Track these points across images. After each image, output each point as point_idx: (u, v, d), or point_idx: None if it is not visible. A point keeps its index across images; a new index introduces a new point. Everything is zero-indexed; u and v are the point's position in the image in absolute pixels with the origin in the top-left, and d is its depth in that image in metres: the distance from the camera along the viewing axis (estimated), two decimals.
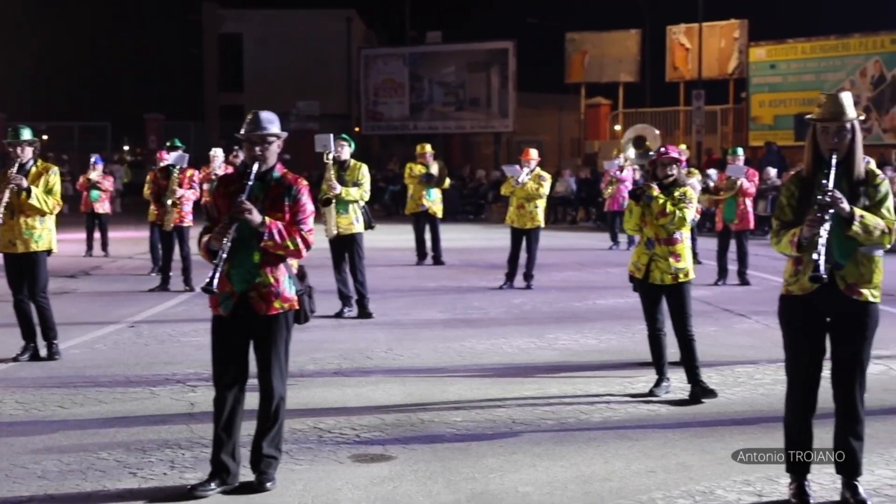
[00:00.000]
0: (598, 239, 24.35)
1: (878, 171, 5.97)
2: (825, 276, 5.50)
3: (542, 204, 15.72)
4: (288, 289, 6.25)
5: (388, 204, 35.77)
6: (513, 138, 42.70)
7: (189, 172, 15.78)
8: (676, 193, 8.50)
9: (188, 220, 15.61)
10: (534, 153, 15.82)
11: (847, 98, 5.81)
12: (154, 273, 16.82)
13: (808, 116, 5.94)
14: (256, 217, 6.01)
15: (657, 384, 8.66)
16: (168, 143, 16.90)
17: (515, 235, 15.69)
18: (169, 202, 15.38)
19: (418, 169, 18.97)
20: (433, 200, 19.09)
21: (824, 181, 5.60)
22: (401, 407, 8.35)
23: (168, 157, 15.98)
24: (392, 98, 43.93)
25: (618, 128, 41.58)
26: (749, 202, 16.42)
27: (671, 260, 8.51)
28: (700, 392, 8.41)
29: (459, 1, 51.00)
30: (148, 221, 16.74)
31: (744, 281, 16.02)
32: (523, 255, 15.65)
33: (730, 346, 10.73)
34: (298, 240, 6.16)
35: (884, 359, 10.02)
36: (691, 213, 8.67)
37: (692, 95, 37.89)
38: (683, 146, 22.80)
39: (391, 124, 44.36)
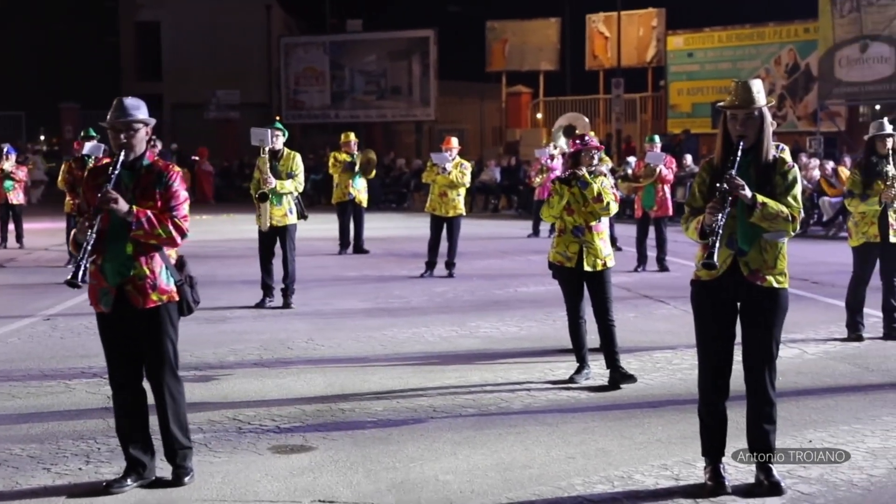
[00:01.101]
0: (520, 227, 24.46)
1: (788, 159, 6.03)
2: (716, 263, 5.61)
3: (463, 192, 15.77)
4: (165, 280, 6.02)
5: (309, 193, 35.51)
6: (434, 127, 42.67)
7: (105, 162, 15.47)
8: (599, 181, 8.55)
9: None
10: (454, 141, 15.88)
11: (756, 85, 5.86)
12: (70, 265, 16.52)
13: (719, 104, 5.98)
14: (122, 206, 5.81)
15: (578, 371, 8.70)
16: (83, 133, 16.59)
17: (436, 223, 15.70)
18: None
19: (342, 158, 18.89)
20: (359, 189, 19.05)
21: (728, 167, 5.67)
22: (321, 397, 8.31)
23: (84, 148, 15.70)
24: (313, 87, 43.64)
25: (539, 116, 41.80)
26: (668, 189, 16.60)
27: (600, 245, 8.57)
28: (619, 378, 8.47)
29: None
30: (64, 212, 16.46)
31: (663, 267, 16.18)
32: (444, 244, 15.67)
33: (649, 331, 10.83)
34: (171, 227, 5.92)
35: (798, 342, 10.21)
36: (615, 201, 8.78)
37: (611, 83, 38.17)
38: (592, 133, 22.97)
39: (312, 113, 44.07)
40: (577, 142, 8.88)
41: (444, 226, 15.66)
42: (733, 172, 5.64)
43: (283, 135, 12.63)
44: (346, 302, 13.44)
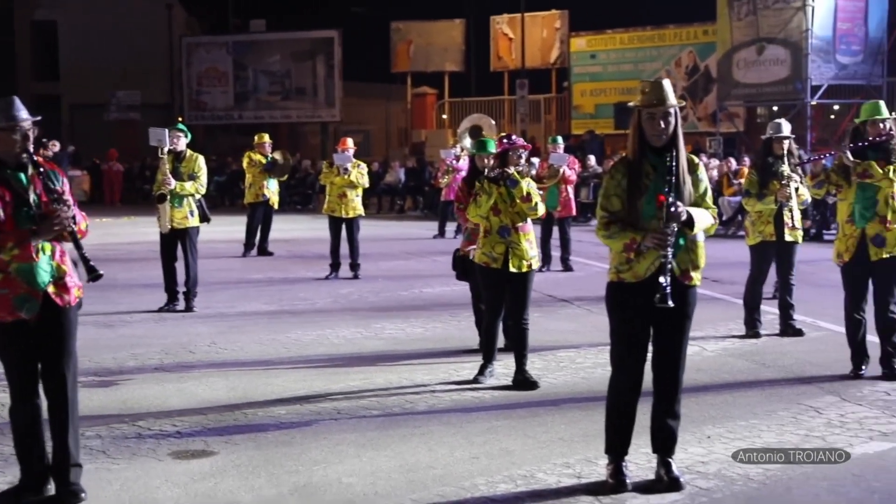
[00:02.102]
0: (426, 228, 24.48)
1: (696, 158, 6.10)
2: (671, 304, 5.66)
3: (361, 193, 15.78)
4: (76, 276, 5.92)
5: (213, 195, 35.19)
6: (340, 128, 42.42)
7: None
8: (526, 181, 8.58)
9: None
10: (350, 142, 15.95)
11: (668, 85, 5.92)
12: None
13: (632, 103, 5.97)
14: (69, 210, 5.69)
15: (482, 371, 8.73)
16: None
17: (335, 225, 15.69)
18: None
19: (257, 159, 18.75)
20: (273, 191, 18.98)
21: (667, 189, 5.66)
22: (224, 401, 8.22)
23: None
24: (216, 87, 43.11)
25: (445, 117, 41.88)
26: (571, 190, 16.76)
27: (526, 246, 8.58)
28: (522, 381, 8.51)
29: None
30: None
31: (567, 267, 16.33)
32: (346, 245, 15.64)
33: (553, 331, 10.91)
34: (86, 221, 5.93)
35: (698, 340, 10.35)
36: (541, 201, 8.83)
37: (516, 85, 38.39)
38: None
39: (216, 114, 43.52)
40: (505, 141, 8.87)
41: (344, 227, 15.65)
42: (672, 199, 5.64)
43: (186, 136, 12.49)
44: (250, 304, 13.32)
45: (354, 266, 15.70)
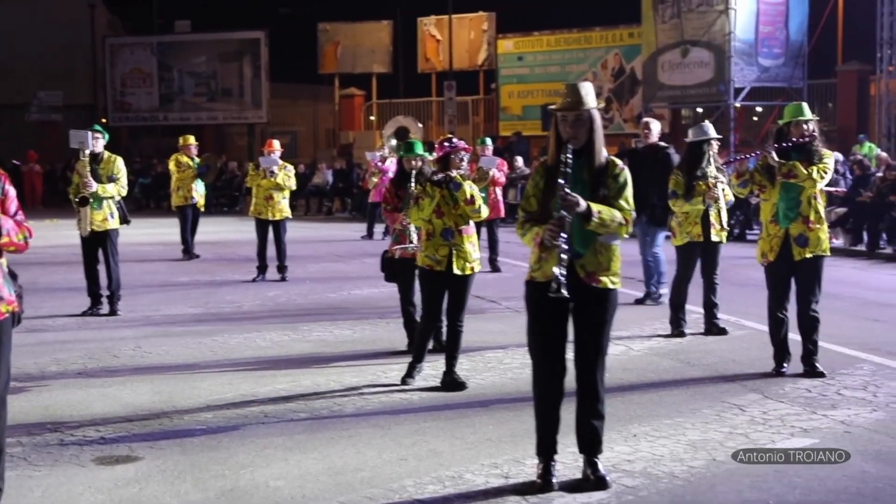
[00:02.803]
0: (354, 230, 24.42)
1: (618, 161, 6.09)
2: (566, 294, 5.70)
3: (288, 195, 15.73)
4: (8, 290, 5.73)
5: (137, 197, 34.89)
6: (267, 129, 42.15)
7: None
8: (468, 184, 8.56)
9: None
10: (276, 144, 15.90)
11: (586, 88, 5.95)
12: None
13: (551, 107, 6.05)
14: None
15: (411, 371, 8.72)
16: None
17: (262, 227, 15.63)
18: None
19: (185, 161, 18.57)
20: (201, 193, 18.84)
21: (561, 181, 5.72)
22: (148, 406, 8.13)
23: None
24: (141, 88, 42.62)
25: (372, 118, 41.82)
26: (499, 191, 16.82)
27: (469, 248, 8.55)
28: (451, 383, 8.51)
29: None
30: None
31: (495, 268, 16.38)
32: (274, 248, 15.58)
33: (481, 332, 10.92)
34: (26, 232, 5.69)
35: (624, 339, 10.47)
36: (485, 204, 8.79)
37: (444, 86, 38.47)
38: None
39: (140, 115, 43.03)
40: (447, 144, 8.81)
41: (271, 229, 15.59)
42: (567, 189, 5.69)
43: (104, 137, 12.30)
44: (176, 308, 13.19)
45: (282, 268, 15.64)
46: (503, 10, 39.49)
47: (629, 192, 5.95)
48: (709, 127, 10.81)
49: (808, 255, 8.56)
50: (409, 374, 8.71)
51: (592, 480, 5.98)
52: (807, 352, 8.73)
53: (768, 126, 32.46)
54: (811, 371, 8.66)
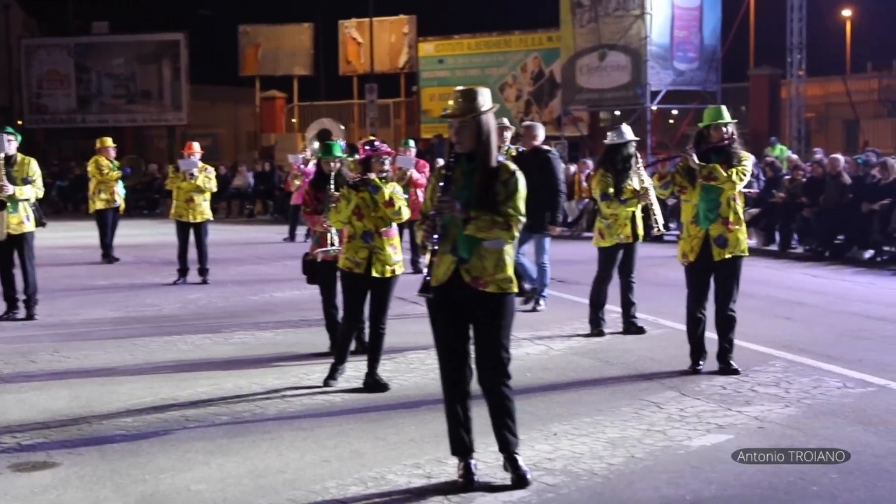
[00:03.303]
0: (276, 232, 24.26)
1: (511, 166, 5.98)
2: (430, 294, 5.87)
3: (209, 197, 15.60)
4: None
5: (55, 200, 34.38)
6: (187, 131, 41.74)
7: None
8: (388, 187, 8.47)
9: None
10: (196, 146, 15.73)
11: (478, 93, 5.88)
12: None
13: (443, 114, 6.00)
14: None
15: (333, 373, 8.67)
16: None
17: (182, 229, 15.45)
18: None
19: (106, 164, 18.28)
20: (122, 196, 18.61)
21: (441, 184, 5.79)
22: (66, 411, 7.98)
23: None
24: (57, 90, 41.92)
25: (294, 121, 41.61)
26: (420, 193, 16.80)
27: (390, 251, 8.47)
28: (373, 384, 8.49)
29: None
30: None
31: (417, 269, 16.33)
32: (194, 251, 15.41)
33: (402, 332, 10.88)
34: None
35: (545, 339, 10.54)
36: (406, 206, 8.65)
37: (365, 89, 38.41)
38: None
39: (57, 117, 42.34)
40: (367, 147, 8.73)
41: (192, 231, 15.44)
42: (443, 192, 5.76)
43: (17, 139, 12.03)
44: (95, 311, 12.98)
45: (203, 271, 15.49)
46: (424, 13, 39.65)
47: (519, 197, 5.86)
48: (627, 130, 10.87)
49: (728, 256, 8.62)
50: (332, 375, 8.66)
51: (513, 478, 5.98)
52: (722, 350, 8.85)
53: (684, 129, 32.92)
54: (726, 368, 8.78)
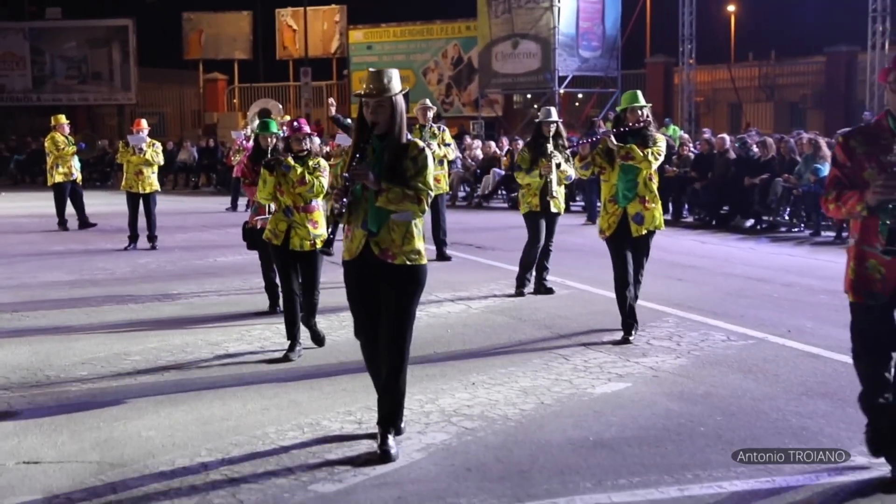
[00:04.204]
0: (219, 202, 23.97)
1: (419, 143, 5.64)
2: (331, 252, 5.64)
3: (156, 169, 15.44)
4: None
5: (13, 172, 33.75)
6: (136, 110, 40.86)
7: None
8: (311, 163, 8.13)
9: None
10: (144, 123, 15.58)
11: (389, 74, 5.53)
12: None
13: (357, 92, 5.62)
14: None
15: (291, 349, 8.09)
16: None
17: (132, 200, 15.30)
18: None
19: (62, 139, 17.89)
20: (79, 169, 18.27)
21: (357, 155, 5.43)
22: (26, 366, 7.85)
23: None
24: (13, 71, 40.87)
25: (235, 101, 41.09)
26: None
27: (310, 227, 8.15)
28: (313, 337, 8.40)
29: None
30: None
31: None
32: (144, 219, 15.22)
33: (336, 293, 10.86)
34: None
35: (464, 299, 10.57)
36: (326, 180, 8.11)
37: (300, 72, 38.04)
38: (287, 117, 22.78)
39: (14, 96, 41.27)
40: (287, 127, 8.57)
41: (141, 202, 15.29)
42: (358, 161, 5.40)
43: None
44: (52, 275, 12.74)
45: (152, 238, 15.31)
46: (354, 3, 39.33)
47: (428, 172, 5.52)
48: (552, 111, 10.83)
49: (644, 232, 8.40)
50: (291, 349, 8.10)
51: (378, 453, 5.56)
52: (631, 302, 8.61)
53: (588, 110, 33.13)
54: (626, 334, 8.53)
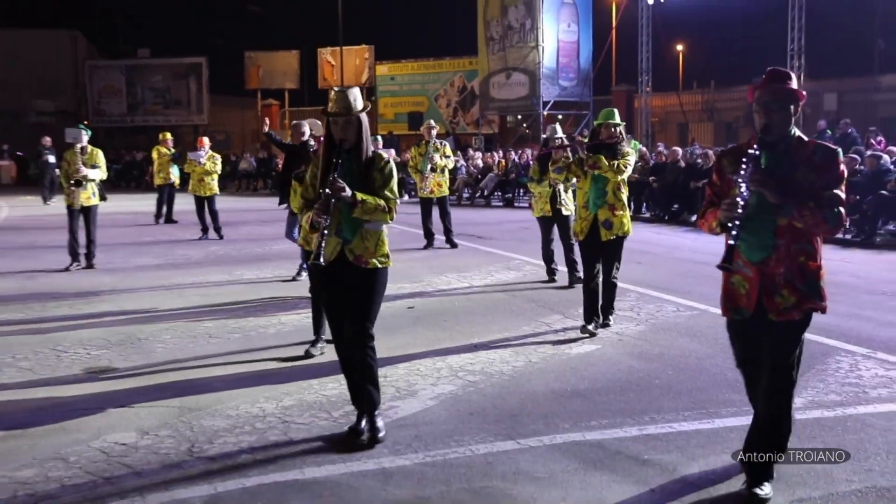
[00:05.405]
0: (273, 202, 23.85)
1: (384, 155, 4.96)
2: (322, 262, 4.72)
3: (216, 177, 15.45)
4: None
5: (112, 179, 33.85)
6: (208, 129, 41.06)
7: None
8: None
9: None
10: (206, 140, 15.68)
11: (354, 94, 4.89)
12: None
13: (327, 112, 4.86)
14: None
15: (315, 344, 7.03)
16: None
17: (197, 201, 15.53)
18: None
19: (164, 151, 18.20)
20: (176, 175, 18.31)
21: (335, 171, 4.72)
22: (123, 330, 7.85)
23: None
24: (112, 99, 41.05)
25: (285, 122, 41.04)
26: None
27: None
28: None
29: (162, 24, 48.15)
30: None
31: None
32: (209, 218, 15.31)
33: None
34: None
35: (467, 278, 10.49)
36: None
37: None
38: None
39: (112, 119, 41.42)
40: (316, 142, 8.49)
41: (205, 203, 15.43)
42: (336, 176, 4.70)
43: (88, 134, 11.75)
44: (143, 259, 12.73)
45: (217, 230, 15.39)
46: (380, 43, 39.34)
47: (394, 182, 4.89)
48: (558, 128, 9.98)
49: (612, 237, 7.55)
50: (313, 345, 7.03)
51: (367, 437, 4.91)
52: (605, 306, 7.80)
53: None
54: (605, 322, 7.78)
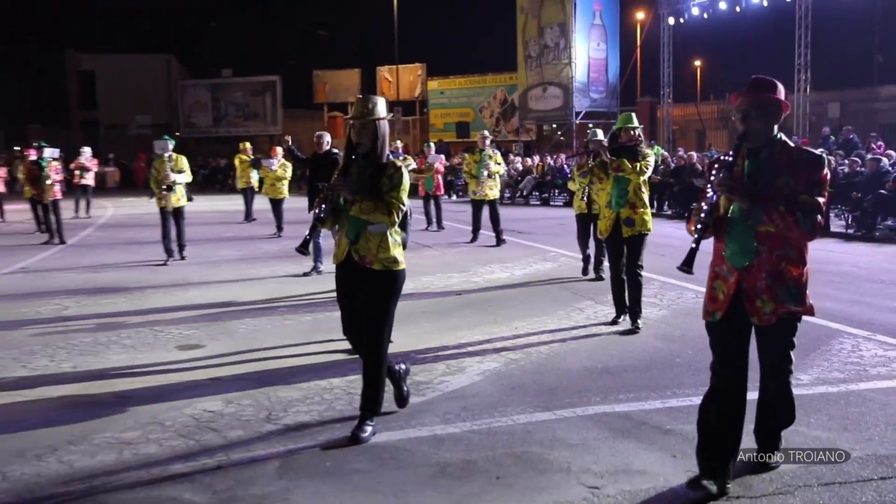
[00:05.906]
0: None
1: (397, 163, 4.51)
2: (307, 251, 4.63)
3: (286, 181, 15.66)
4: None
5: (200, 182, 34.41)
6: (282, 139, 41.43)
7: (54, 163, 14.88)
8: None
9: (59, 195, 14.65)
10: (279, 150, 15.66)
11: (374, 101, 4.54)
12: (39, 232, 15.41)
13: (347, 117, 4.53)
14: None
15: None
16: (35, 144, 15.62)
17: (272, 203, 15.62)
18: (48, 182, 14.41)
19: (245, 158, 18.48)
20: (256, 179, 18.43)
21: (336, 174, 4.51)
22: (208, 310, 7.97)
23: (34, 153, 15.15)
24: (200, 113, 41.88)
25: (349, 132, 41.34)
26: (440, 177, 16.26)
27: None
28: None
29: (243, 47, 48.91)
30: (25, 198, 15.40)
31: (441, 227, 15.78)
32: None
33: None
34: None
35: (509, 268, 10.40)
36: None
37: (394, 110, 38.08)
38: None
39: (200, 130, 42.25)
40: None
41: (272, 205, 15.58)
42: (338, 174, 4.47)
43: (173, 144, 11.88)
44: (225, 252, 12.90)
45: (279, 228, 15.42)
46: (431, 61, 39.39)
47: (402, 188, 4.44)
48: (599, 132, 9.32)
49: (634, 234, 7.06)
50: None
51: (352, 435, 4.48)
52: (632, 303, 7.12)
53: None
54: (634, 325, 7.09)
